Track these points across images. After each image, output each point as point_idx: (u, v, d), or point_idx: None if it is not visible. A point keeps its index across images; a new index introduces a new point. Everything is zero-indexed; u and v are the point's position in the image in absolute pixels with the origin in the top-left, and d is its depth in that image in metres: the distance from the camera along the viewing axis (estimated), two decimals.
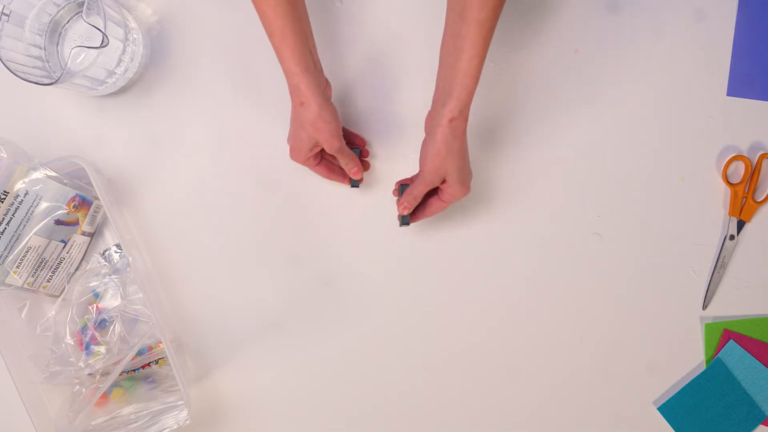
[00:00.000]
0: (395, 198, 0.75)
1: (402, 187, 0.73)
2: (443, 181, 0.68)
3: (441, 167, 0.66)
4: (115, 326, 0.74)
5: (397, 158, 0.78)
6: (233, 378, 0.78)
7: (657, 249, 0.79)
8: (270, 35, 0.64)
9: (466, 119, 0.64)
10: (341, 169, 0.73)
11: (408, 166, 0.78)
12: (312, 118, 0.65)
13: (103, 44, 0.66)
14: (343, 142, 0.69)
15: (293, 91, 0.66)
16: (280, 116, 0.76)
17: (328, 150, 0.68)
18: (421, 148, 0.68)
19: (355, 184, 0.75)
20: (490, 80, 0.78)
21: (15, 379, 0.70)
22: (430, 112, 0.68)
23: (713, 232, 0.79)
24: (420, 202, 0.70)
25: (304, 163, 0.71)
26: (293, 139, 0.70)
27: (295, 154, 0.70)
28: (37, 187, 0.70)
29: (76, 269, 0.78)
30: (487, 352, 0.79)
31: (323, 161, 0.73)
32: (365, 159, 0.77)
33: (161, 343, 0.75)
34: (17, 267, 0.70)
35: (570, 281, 0.79)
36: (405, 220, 0.72)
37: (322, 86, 0.68)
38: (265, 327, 0.78)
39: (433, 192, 0.70)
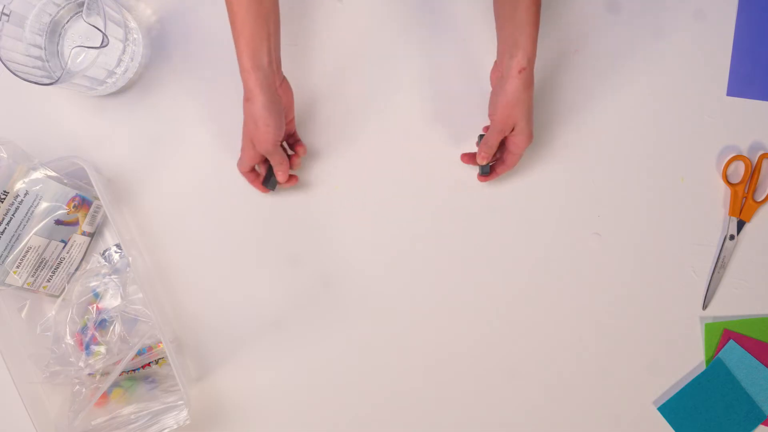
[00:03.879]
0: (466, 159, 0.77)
1: (480, 137, 0.74)
2: (512, 130, 0.69)
3: (511, 116, 0.68)
4: (115, 326, 0.74)
5: (398, 156, 0.78)
6: (233, 378, 0.78)
7: (657, 249, 0.79)
8: (231, 25, 0.64)
9: (533, 68, 0.66)
10: (256, 173, 0.75)
11: (409, 166, 0.78)
12: (255, 116, 0.66)
13: (103, 44, 0.66)
14: (278, 147, 0.69)
15: (243, 85, 0.66)
16: None
17: (260, 150, 0.69)
18: (490, 99, 0.70)
19: (272, 187, 0.74)
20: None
21: (15, 379, 0.70)
22: (496, 65, 0.70)
23: (713, 232, 0.79)
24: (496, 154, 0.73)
25: (249, 161, 0.72)
26: (243, 133, 0.70)
27: (242, 157, 0.72)
28: (37, 187, 0.70)
29: (76, 269, 0.78)
30: (486, 352, 0.79)
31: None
32: (295, 159, 0.75)
33: (161, 343, 0.75)
34: (17, 267, 0.70)
35: (570, 281, 0.79)
36: (485, 170, 0.74)
37: (273, 86, 0.67)
38: (265, 327, 0.78)
39: (503, 145, 0.73)
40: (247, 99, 0.66)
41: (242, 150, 0.72)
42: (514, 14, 0.64)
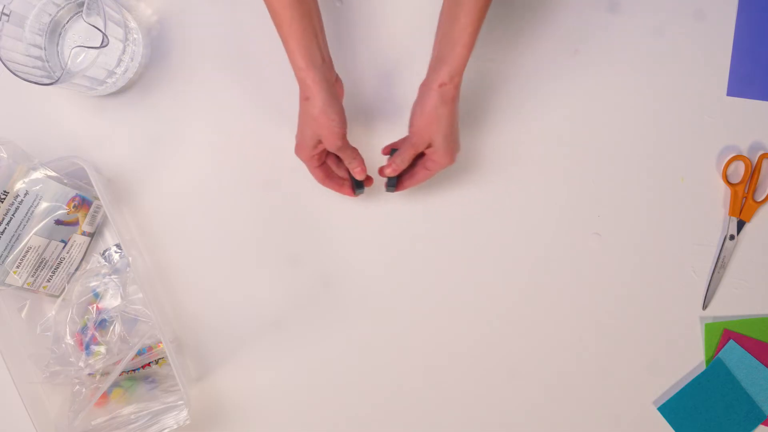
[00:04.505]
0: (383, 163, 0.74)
1: (393, 151, 0.72)
2: (429, 146, 0.67)
3: (427, 131, 0.66)
4: (115, 326, 0.74)
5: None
6: (233, 378, 0.78)
7: (657, 249, 0.79)
8: (278, 27, 0.64)
9: (457, 87, 0.65)
10: (340, 179, 0.73)
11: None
12: (316, 113, 0.65)
13: (103, 44, 0.66)
14: (347, 141, 0.68)
15: (300, 85, 0.65)
16: (280, 116, 0.77)
17: (329, 147, 0.67)
18: (411, 111, 0.68)
19: (359, 187, 0.72)
20: (490, 80, 0.78)
21: (15, 379, 0.70)
22: (424, 79, 0.68)
23: (713, 232, 0.79)
24: (408, 169, 0.70)
25: (307, 160, 0.70)
26: (299, 133, 0.69)
27: (298, 150, 0.70)
28: (37, 187, 0.70)
29: (76, 269, 0.78)
30: (486, 352, 0.79)
31: (324, 165, 0.71)
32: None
33: (161, 343, 0.75)
34: (17, 267, 0.70)
35: (570, 281, 0.79)
36: (391, 183, 0.71)
37: (330, 82, 0.66)
38: (265, 327, 0.78)
39: (419, 160, 0.70)
40: (306, 98, 0.65)
41: (306, 162, 0.70)
42: (449, 31, 0.63)
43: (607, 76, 0.79)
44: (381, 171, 0.71)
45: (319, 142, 0.67)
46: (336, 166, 0.72)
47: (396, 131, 0.79)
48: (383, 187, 0.73)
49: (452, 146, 0.68)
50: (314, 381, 0.79)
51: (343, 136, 0.67)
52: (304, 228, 0.79)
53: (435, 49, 0.67)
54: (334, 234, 0.79)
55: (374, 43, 0.79)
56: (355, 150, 0.70)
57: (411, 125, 0.68)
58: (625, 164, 0.79)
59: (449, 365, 0.79)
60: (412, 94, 0.78)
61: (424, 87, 0.66)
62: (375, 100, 0.79)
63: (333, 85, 0.67)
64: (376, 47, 0.79)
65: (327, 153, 0.70)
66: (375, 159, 0.79)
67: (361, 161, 0.70)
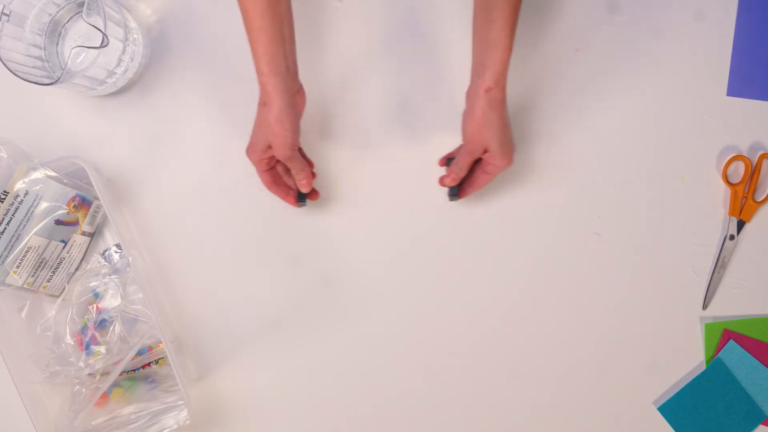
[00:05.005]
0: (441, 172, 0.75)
1: (449, 160, 0.73)
2: (485, 152, 0.68)
3: (481, 137, 0.67)
4: (115, 326, 0.74)
5: (399, 155, 0.78)
6: (233, 378, 0.78)
7: (657, 249, 0.79)
8: (247, 30, 0.64)
9: (503, 89, 0.65)
10: (286, 186, 0.73)
11: (408, 163, 0.78)
12: (271, 120, 0.65)
13: (103, 44, 0.66)
14: (297, 151, 0.68)
15: (260, 89, 0.65)
16: None
17: (278, 155, 0.67)
18: (462, 119, 0.69)
19: (302, 200, 0.73)
20: None
21: (15, 379, 0.70)
22: (469, 86, 0.69)
23: (713, 232, 0.79)
24: (467, 175, 0.71)
25: (256, 163, 0.70)
26: (252, 135, 0.69)
27: (249, 151, 0.70)
28: (37, 187, 0.70)
29: (76, 269, 0.78)
30: (486, 352, 0.79)
31: (273, 170, 0.72)
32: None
33: (161, 343, 0.75)
34: (17, 267, 0.70)
35: (570, 281, 0.79)
36: (453, 192, 0.72)
37: (291, 92, 0.66)
38: (265, 327, 0.78)
39: (478, 165, 0.71)
40: (264, 103, 0.65)
41: (255, 164, 0.70)
42: (487, 35, 0.64)
43: (607, 76, 0.79)
44: (441, 181, 0.72)
45: (270, 147, 0.67)
46: (285, 174, 0.73)
47: (396, 129, 0.79)
48: (446, 197, 0.74)
49: (508, 148, 0.68)
50: (314, 381, 0.79)
51: (294, 147, 0.67)
52: (304, 228, 0.79)
53: (475, 54, 0.67)
54: (334, 234, 0.79)
55: (374, 41, 0.79)
56: (303, 162, 0.70)
57: (464, 133, 0.69)
58: (625, 164, 0.79)
59: (449, 365, 0.79)
60: (412, 92, 0.78)
61: (471, 93, 0.67)
62: (374, 97, 0.79)
63: (293, 95, 0.67)
64: (376, 46, 0.79)
65: (277, 159, 0.70)
66: (374, 158, 0.79)
67: (309, 174, 0.71)
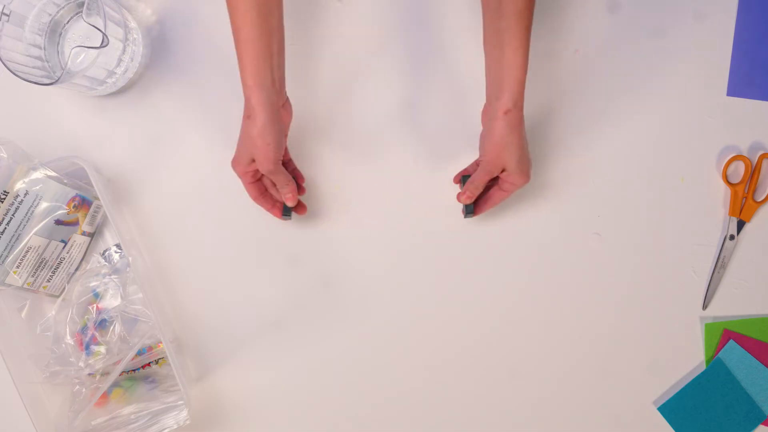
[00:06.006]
0: (457, 189, 0.76)
1: (464, 178, 0.73)
2: (503, 170, 0.68)
3: (500, 158, 0.67)
4: (115, 326, 0.74)
5: (400, 155, 0.78)
6: (233, 378, 0.78)
7: (657, 249, 0.79)
8: (235, 40, 0.63)
9: (521, 109, 0.65)
10: (272, 198, 0.73)
11: (409, 163, 0.78)
12: (254, 134, 0.64)
13: (103, 44, 0.66)
14: (280, 166, 0.67)
15: (245, 102, 0.65)
16: None
17: (261, 169, 0.67)
18: (479, 139, 0.69)
19: (287, 214, 0.72)
20: None
21: (15, 379, 0.70)
22: (485, 107, 0.69)
23: (713, 232, 0.79)
24: (483, 192, 0.72)
25: (241, 175, 0.70)
26: (237, 147, 0.68)
27: (234, 163, 0.69)
28: (37, 187, 0.70)
29: (76, 269, 0.78)
30: (486, 352, 0.79)
31: (258, 182, 0.71)
32: (300, 194, 0.74)
33: (161, 343, 0.75)
34: (17, 267, 0.70)
35: (570, 281, 0.79)
36: (469, 210, 0.73)
37: (276, 106, 0.66)
38: (264, 327, 0.78)
39: (494, 183, 0.72)
40: (248, 116, 0.65)
41: (240, 177, 0.70)
42: (501, 56, 0.63)
43: (606, 76, 0.79)
44: (458, 197, 0.72)
45: (253, 160, 0.67)
46: (272, 187, 0.72)
47: (397, 129, 0.79)
48: (461, 214, 0.75)
49: (526, 167, 0.69)
50: (314, 381, 0.79)
51: (276, 161, 0.66)
52: (304, 228, 0.79)
53: (489, 75, 0.67)
54: (334, 234, 0.79)
55: (374, 41, 0.79)
56: (288, 176, 0.69)
57: (483, 153, 0.69)
58: (625, 164, 0.79)
59: (449, 365, 0.79)
60: (413, 91, 0.78)
61: (489, 115, 0.67)
62: (375, 97, 0.79)
63: (278, 109, 0.66)
64: (376, 46, 0.79)
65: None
66: (374, 158, 0.79)
67: (293, 188, 0.70)
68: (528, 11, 0.62)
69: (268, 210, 0.73)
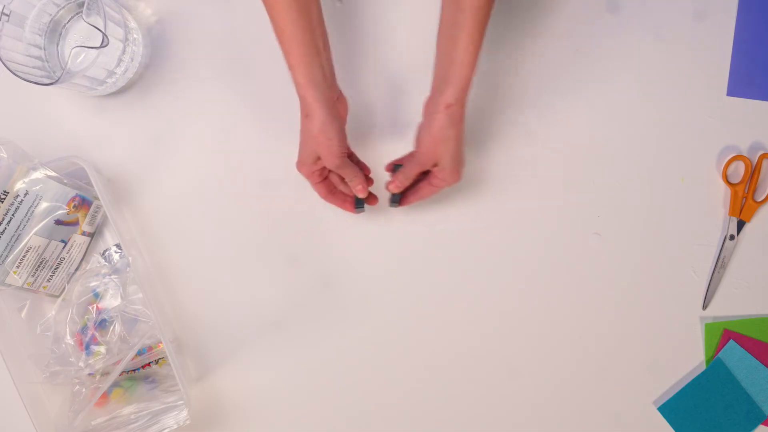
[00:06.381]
0: (388, 177, 0.74)
1: (396, 167, 0.72)
2: (435, 165, 0.68)
3: (435, 152, 0.66)
4: (115, 326, 0.74)
5: (399, 154, 0.78)
6: (233, 378, 0.78)
7: (657, 249, 0.79)
8: (279, 41, 0.63)
9: (463, 106, 0.65)
10: (343, 194, 0.72)
11: None
12: (314, 132, 0.65)
13: (103, 44, 0.66)
14: (346, 159, 0.67)
15: (300, 101, 0.65)
16: (280, 115, 0.77)
17: (327, 165, 0.67)
18: (417, 130, 0.68)
19: (360, 206, 0.72)
20: (490, 79, 0.78)
21: (15, 379, 0.70)
22: (428, 98, 0.68)
23: (713, 232, 0.79)
24: (412, 184, 0.70)
25: (308, 176, 0.70)
26: (300, 149, 0.69)
27: (299, 165, 0.69)
28: (37, 187, 0.70)
29: (76, 269, 0.78)
30: (487, 352, 0.79)
31: (326, 180, 0.71)
32: (369, 185, 0.73)
33: (161, 343, 0.75)
34: (17, 267, 0.70)
35: (570, 281, 0.79)
36: (395, 199, 0.72)
37: (331, 100, 0.66)
38: (265, 327, 0.78)
39: (424, 176, 0.71)
40: (306, 115, 0.65)
41: (308, 178, 0.70)
42: (451, 52, 0.63)
43: (606, 76, 0.79)
44: (387, 186, 0.71)
45: (319, 159, 0.67)
46: (340, 183, 0.72)
47: (399, 129, 0.79)
48: (386, 203, 0.73)
49: (459, 164, 0.68)
50: (314, 381, 0.79)
51: (342, 155, 0.66)
52: (304, 228, 0.79)
53: (437, 68, 0.67)
54: (335, 234, 0.79)
55: (374, 42, 0.79)
56: (355, 168, 0.69)
57: (418, 145, 0.68)
58: (625, 164, 0.79)
59: (449, 365, 0.79)
60: (413, 91, 0.78)
61: (430, 107, 0.66)
62: (376, 97, 0.79)
63: (334, 104, 0.66)
64: (376, 46, 0.79)
65: (329, 169, 0.70)
66: (374, 158, 0.79)
67: (363, 179, 0.70)
68: (485, 9, 0.61)
69: (340, 206, 0.72)
